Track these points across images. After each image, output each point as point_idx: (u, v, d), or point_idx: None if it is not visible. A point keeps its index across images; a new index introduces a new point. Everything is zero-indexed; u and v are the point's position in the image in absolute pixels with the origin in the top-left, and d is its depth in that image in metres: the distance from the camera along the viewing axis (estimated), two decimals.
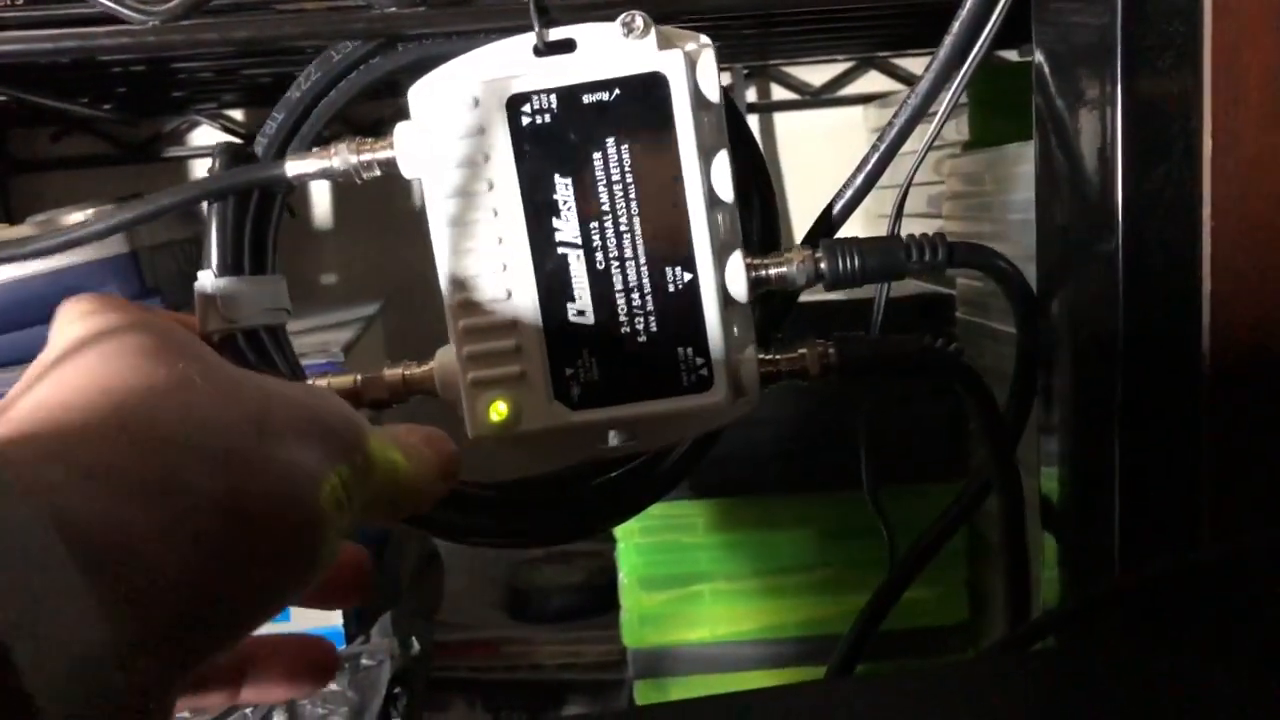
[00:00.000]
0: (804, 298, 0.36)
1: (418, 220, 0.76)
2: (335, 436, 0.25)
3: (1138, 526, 0.33)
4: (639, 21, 0.31)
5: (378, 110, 0.72)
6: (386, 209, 0.75)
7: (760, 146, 0.36)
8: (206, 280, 0.33)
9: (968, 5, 0.33)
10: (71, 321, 0.26)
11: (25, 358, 0.46)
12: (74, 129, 0.73)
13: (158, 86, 0.62)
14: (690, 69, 0.31)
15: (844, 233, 0.35)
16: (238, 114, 0.74)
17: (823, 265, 0.33)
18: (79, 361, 0.24)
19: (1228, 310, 0.32)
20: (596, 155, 0.31)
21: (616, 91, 0.31)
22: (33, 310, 0.45)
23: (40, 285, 0.45)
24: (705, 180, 0.31)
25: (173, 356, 0.24)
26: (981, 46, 0.33)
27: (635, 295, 0.32)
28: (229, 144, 0.34)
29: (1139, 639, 0.33)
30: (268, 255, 0.35)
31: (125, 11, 0.32)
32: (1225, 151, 0.32)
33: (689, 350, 0.32)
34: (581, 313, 0.32)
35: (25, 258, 0.33)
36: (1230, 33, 0.32)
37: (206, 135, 0.75)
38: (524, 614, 0.62)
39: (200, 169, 0.76)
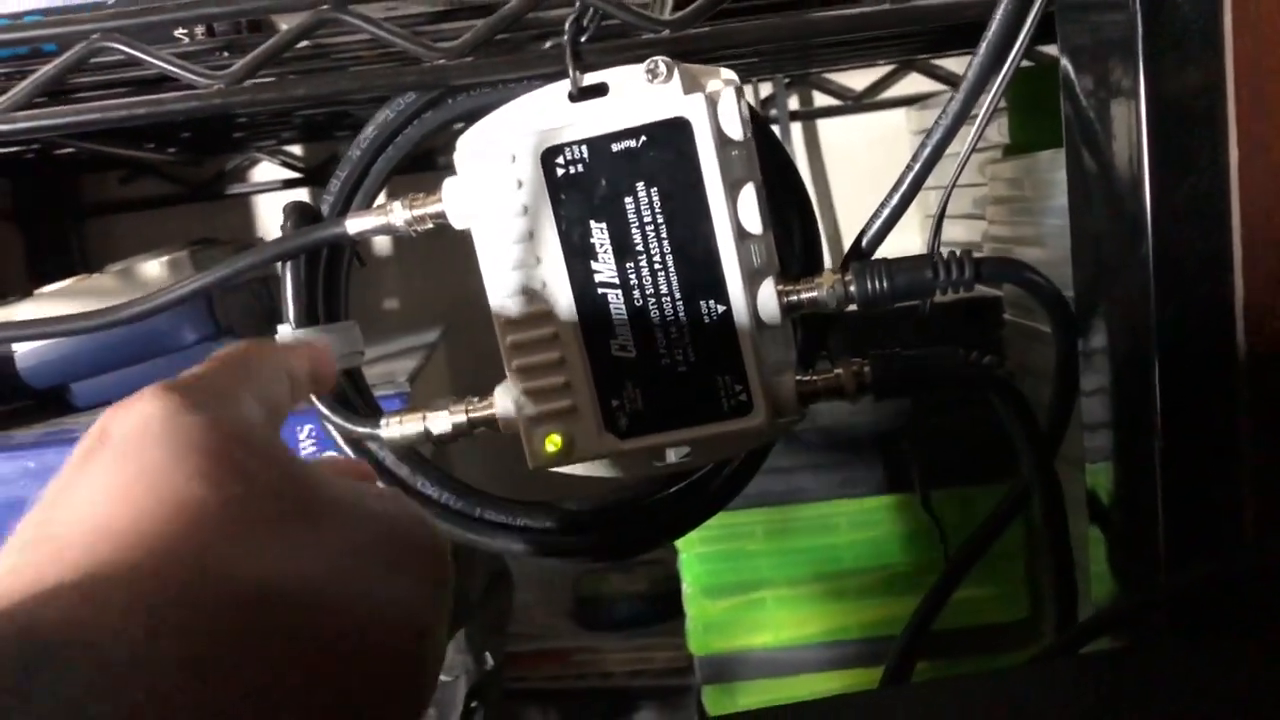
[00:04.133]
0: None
1: (474, 247, 0.78)
2: (418, 553, 0.23)
3: (1181, 526, 0.34)
4: (662, 67, 0.33)
5: (429, 142, 0.74)
6: (444, 236, 0.77)
7: (804, 160, 0.37)
8: (286, 333, 0.36)
9: (998, 18, 0.34)
10: (145, 401, 0.22)
11: (104, 402, 0.49)
12: (141, 172, 0.76)
13: (220, 129, 0.64)
14: (712, 110, 0.32)
15: (897, 232, 0.36)
16: (296, 149, 0.77)
17: (852, 288, 0.34)
18: (142, 465, 0.20)
19: (1260, 312, 0.33)
20: (628, 199, 0.33)
21: (644, 138, 0.33)
22: (114, 356, 0.48)
23: (120, 335, 0.46)
24: (732, 215, 0.33)
25: (243, 469, 0.21)
26: (1013, 60, 0.34)
27: (673, 328, 0.34)
28: (297, 204, 0.36)
29: (1192, 638, 0.33)
30: (340, 303, 0.37)
31: (191, 77, 0.34)
32: (1251, 160, 0.32)
33: (727, 377, 0.34)
34: (624, 348, 0.34)
35: (121, 324, 0.35)
36: (1250, 43, 0.32)
37: (267, 171, 0.78)
38: (592, 623, 0.64)
39: (262, 205, 0.78)
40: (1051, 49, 0.68)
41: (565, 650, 0.61)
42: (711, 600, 0.53)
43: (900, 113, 0.76)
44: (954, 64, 0.74)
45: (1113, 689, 0.30)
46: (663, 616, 0.63)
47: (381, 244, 0.78)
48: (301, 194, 0.77)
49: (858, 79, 0.76)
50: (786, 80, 0.75)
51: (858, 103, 0.76)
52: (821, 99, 0.76)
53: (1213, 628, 0.32)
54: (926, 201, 0.71)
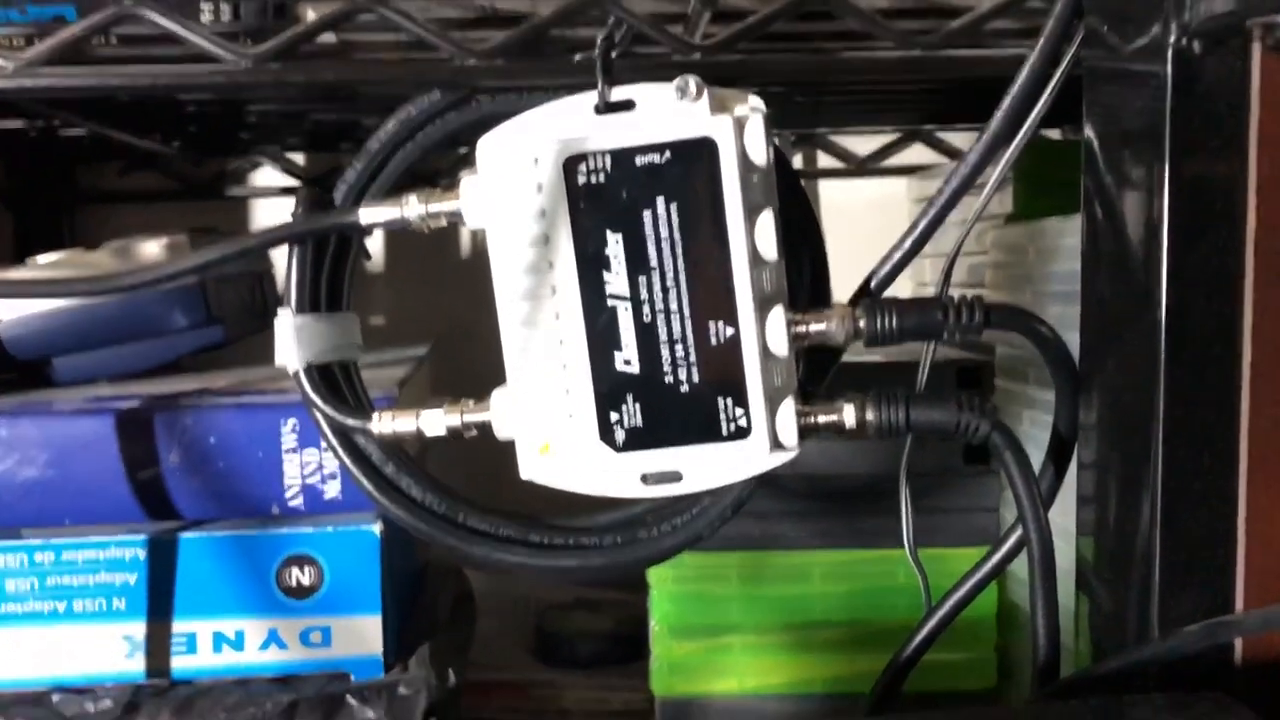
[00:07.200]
0: (850, 358, 0.37)
1: (465, 270, 0.78)
2: None
3: (1175, 598, 0.34)
4: (692, 87, 0.33)
5: (434, 162, 0.74)
6: (436, 258, 0.77)
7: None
8: (286, 317, 0.35)
9: (1018, 84, 0.35)
10: None
11: (85, 379, 0.49)
12: (141, 164, 0.76)
13: (227, 126, 0.64)
14: (738, 133, 0.32)
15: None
16: (299, 157, 0.77)
17: (861, 323, 0.34)
18: None
19: (1267, 381, 0.33)
20: (647, 213, 0.33)
21: (668, 154, 0.33)
22: (101, 332, 0.47)
23: (111, 310, 0.47)
24: (749, 240, 0.33)
25: None
26: (1031, 124, 0.35)
27: (679, 347, 0.33)
28: (310, 190, 0.36)
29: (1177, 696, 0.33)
30: (343, 295, 0.37)
31: (220, 52, 0.34)
32: (1268, 229, 0.33)
33: (729, 400, 0.33)
34: (628, 362, 0.33)
35: (120, 291, 0.35)
36: (1276, 116, 0.33)
37: (268, 176, 0.77)
38: (552, 658, 0.63)
39: (259, 209, 0.78)
40: (1054, 132, 0.70)
41: (523, 683, 0.60)
42: (678, 641, 0.53)
43: (901, 181, 0.77)
44: (957, 138, 0.76)
45: None
46: (624, 658, 0.62)
47: (373, 262, 0.78)
48: None
49: (863, 144, 0.77)
50: (793, 138, 0.76)
51: (860, 167, 0.77)
52: (825, 160, 0.77)
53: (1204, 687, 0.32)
54: (921, 271, 0.71)
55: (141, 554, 0.42)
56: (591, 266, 0.33)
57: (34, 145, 0.69)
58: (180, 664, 0.42)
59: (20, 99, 0.45)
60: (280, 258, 0.37)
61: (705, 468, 0.34)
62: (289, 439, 0.43)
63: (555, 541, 0.37)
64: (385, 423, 0.35)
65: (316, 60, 0.36)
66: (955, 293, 0.35)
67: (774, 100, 0.34)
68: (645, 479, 0.34)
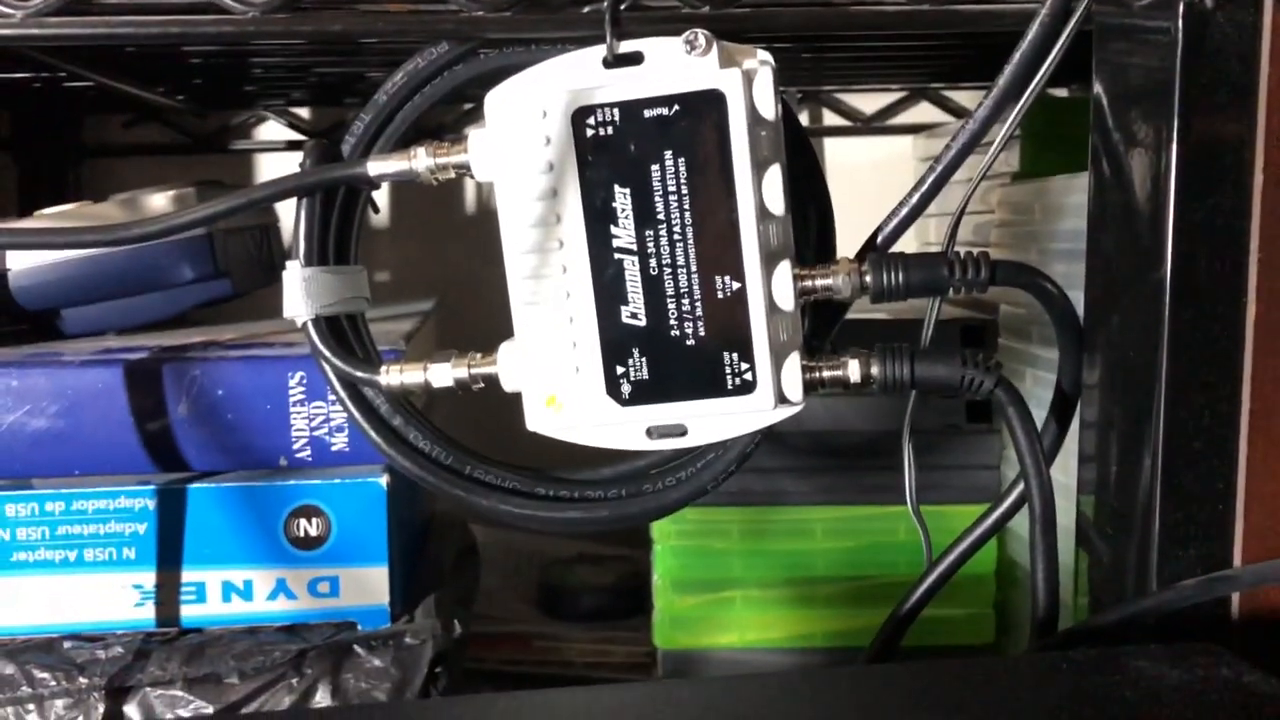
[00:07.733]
0: (854, 315, 0.37)
1: (470, 224, 0.78)
2: None
3: (1174, 554, 0.34)
4: (701, 40, 0.33)
5: (439, 116, 0.74)
6: (441, 213, 0.77)
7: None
8: (295, 270, 0.35)
9: (1028, 39, 0.34)
10: None
11: (94, 331, 0.49)
12: (145, 117, 0.76)
13: (233, 79, 0.64)
14: (747, 87, 0.32)
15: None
16: (304, 111, 0.77)
17: (868, 277, 0.34)
18: None
19: (1270, 340, 0.33)
20: (655, 167, 0.33)
21: (676, 107, 0.33)
22: (110, 284, 0.48)
23: (119, 261, 0.47)
24: (756, 194, 0.33)
25: None
26: (1040, 80, 0.35)
27: (685, 301, 0.33)
28: (318, 143, 0.36)
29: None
30: (350, 247, 0.37)
31: (228, 1, 0.34)
32: (1275, 185, 0.33)
33: (735, 355, 0.33)
34: (634, 315, 0.34)
35: (128, 241, 0.35)
36: None
37: (272, 130, 0.77)
38: (555, 611, 0.63)
39: (264, 164, 0.78)
40: (1061, 91, 0.70)
41: (527, 635, 0.61)
42: (681, 595, 0.53)
43: (907, 140, 0.77)
44: (964, 98, 0.75)
45: (1086, 688, 0.30)
46: (626, 612, 0.62)
47: (378, 217, 0.78)
48: None
49: (868, 102, 0.76)
50: (799, 95, 0.75)
51: (866, 125, 0.76)
52: (831, 118, 0.77)
53: (1201, 638, 0.33)
54: (925, 231, 0.71)
55: (151, 504, 0.42)
56: (599, 219, 0.33)
57: (40, 97, 0.69)
58: (189, 613, 0.43)
59: (27, 47, 0.45)
60: (287, 212, 0.37)
61: (710, 421, 0.34)
62: (296, 391, 0.44)
63: (560, 494, 0.37)
64: (393, 375, 0.36)
65: (324, 11, 0.36)
66: (961, 249, 0.35)
67: (780, 57, 0.34)
68: (650, 432, 0.35)
